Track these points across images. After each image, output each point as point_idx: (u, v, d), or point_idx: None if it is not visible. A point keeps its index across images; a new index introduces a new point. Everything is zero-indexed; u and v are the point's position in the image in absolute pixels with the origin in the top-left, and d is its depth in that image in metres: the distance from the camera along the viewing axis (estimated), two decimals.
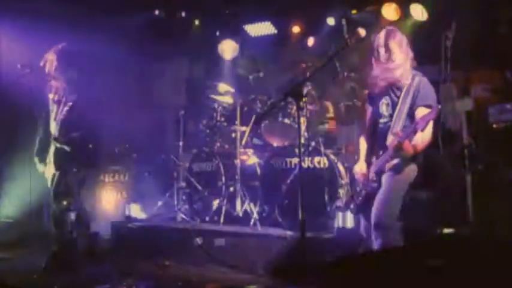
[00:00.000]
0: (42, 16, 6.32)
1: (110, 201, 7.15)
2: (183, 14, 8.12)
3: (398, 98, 3.75)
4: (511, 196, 5.17)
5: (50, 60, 5.08)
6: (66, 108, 4.96)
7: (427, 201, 5.55)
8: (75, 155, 4.97)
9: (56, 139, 4.97)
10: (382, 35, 3.80)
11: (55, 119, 5.05)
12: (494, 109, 5.48)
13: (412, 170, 3.76)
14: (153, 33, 8.02)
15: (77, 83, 5.09)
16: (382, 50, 3.77)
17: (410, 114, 3.71)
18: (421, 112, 3.62)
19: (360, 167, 3.97)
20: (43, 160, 5.10)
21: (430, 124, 3.65)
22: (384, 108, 3.87)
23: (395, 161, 3.67)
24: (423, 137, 3.61)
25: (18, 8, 6.34)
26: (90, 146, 5.08)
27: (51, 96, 5.13)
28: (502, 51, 5.73)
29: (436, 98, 3.75)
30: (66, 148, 4.95)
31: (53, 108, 5.11)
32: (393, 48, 3.75)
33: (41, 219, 5.55)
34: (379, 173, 3.80)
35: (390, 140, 3.68)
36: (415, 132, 3.47)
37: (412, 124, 3.56)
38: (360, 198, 3.94)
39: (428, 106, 3.63)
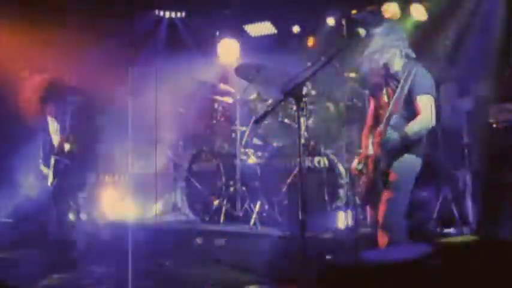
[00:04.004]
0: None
1: (110, 201, 7.15)
2: (183, 14, 8.12)
3: (396, 87, 3.76)
4: (511, 196, 5.17)
5: (36, 89, 5.14)
6: (64, 124, 5.03)
7: (427, 201, 5.55)
8: (75, 163, 5.03)
9: (56, 154, 5.04)
10: None
11: (56, 133, 5.13)
12: (494, 109, 5.48)
13: (416, 162, 3.78)
14: (153, 34, 8.02)
15: (74, 102, 5.15)
16: None
17: (409, 103, 3.74)
18: (421, 100, 3.69)
19: (358, 160, 3.98)
20: (47, 166, 5.18)
21: (431, 107, 3.70)
22: (385, 100, 3.88)
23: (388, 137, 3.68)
24: (422, 119, 3.68)
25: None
26: (90, 152, 5.13)
27: (52, 110, 5.19)
28: (502, 51, 5.73)
29: (433, 86, 3.79)
30: (66, 161, 5.02)
31: (52, 122, 5.19)
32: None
33: (41, 219, 5.55)
34: (378, 157, 3.78)
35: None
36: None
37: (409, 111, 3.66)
38: (364, 189, 3.92)
39: (427, 93, 3.71)
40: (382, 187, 3.75)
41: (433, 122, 3.74)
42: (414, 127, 3.68)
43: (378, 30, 3.85)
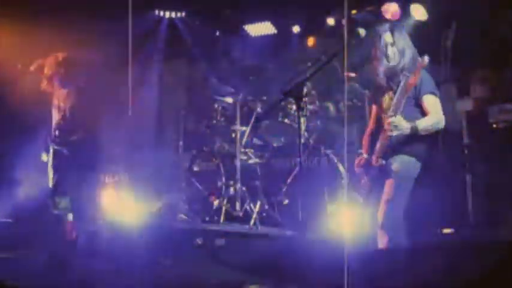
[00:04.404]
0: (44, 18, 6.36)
1: (110, 201, 7.15)
2: (183, 14, 8.13)
3: (397, 89, 3.76)
4: (511, 196, 5.18)
5: (49, 66, 5.12)
6: (66, 114, 5.03)
7: (427, 201, 5.56)
8: (75, 157, 5.03)
9: (54, 142, 5.04)
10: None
11: (56, 123, 5.13)
12: (494, 109, 5.49)
13: (416, 165, 3.77)
14: (153, 34, 8.02)
15: (81, 90, 5.14)
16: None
17: (413, 103, 3.73)
18: (426, 99, 3.68)
19: (360, 158, 3.97)
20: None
21: (440, 107, 3.70)
22: (387, 103, 3.87)
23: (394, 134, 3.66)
24: (433, 117, 3.67)
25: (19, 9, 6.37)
26: (90, 148, 5.12)
27: (55, 102, 5.19)
28: (502, 51, 5.73)
29: (436, 87, 3.79)
30: (65, 151, 5.02)
31: (55, 113, 5.18)
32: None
33: (41, 219, 5.55)
34: (383, 154, 3.77)
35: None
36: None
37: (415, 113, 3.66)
38: (366, 188, 3.91)
39: (432, 93, 3.70)
40: (383, 186, 3.76)
41: (443, 123, 3.73)
42: (424, 123, 3.67)
43: (399, 35, 3.82)
